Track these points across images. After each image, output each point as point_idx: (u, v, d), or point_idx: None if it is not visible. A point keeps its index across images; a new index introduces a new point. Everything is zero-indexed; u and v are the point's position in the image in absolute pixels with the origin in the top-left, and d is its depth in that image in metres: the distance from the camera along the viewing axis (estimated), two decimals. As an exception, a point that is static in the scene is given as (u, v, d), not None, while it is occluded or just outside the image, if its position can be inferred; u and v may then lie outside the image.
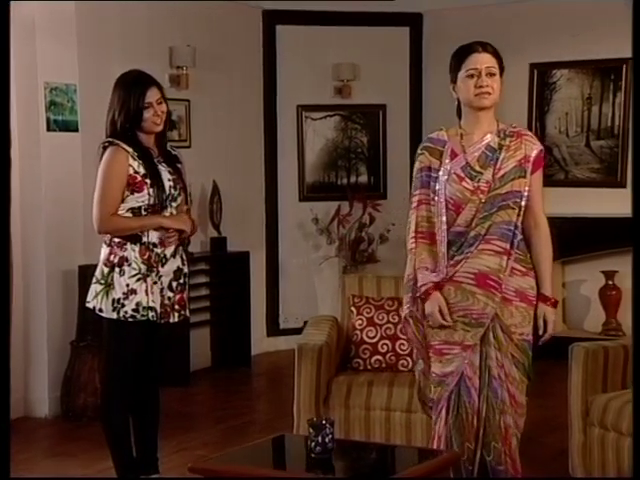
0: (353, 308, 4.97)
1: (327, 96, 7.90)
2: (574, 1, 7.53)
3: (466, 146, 3.68)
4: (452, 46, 8.00)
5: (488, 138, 3.67)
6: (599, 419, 4.02)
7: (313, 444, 3.23)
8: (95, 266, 5.77)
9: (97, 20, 6.33)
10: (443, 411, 3.69)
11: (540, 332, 3.66)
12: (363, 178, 8.02)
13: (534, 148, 3.67)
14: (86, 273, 5.82)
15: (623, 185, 7.53)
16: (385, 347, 4.85)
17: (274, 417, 5.78)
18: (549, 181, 7.69)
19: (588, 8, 7.51)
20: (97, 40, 6.34)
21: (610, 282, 7.39)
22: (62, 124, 5.95)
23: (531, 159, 3.65)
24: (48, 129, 5.86)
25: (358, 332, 4.90)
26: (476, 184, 3.65)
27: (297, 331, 7.86)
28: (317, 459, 3.21)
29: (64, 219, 5.97)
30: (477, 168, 3.66)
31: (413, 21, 8.05)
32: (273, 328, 7.80)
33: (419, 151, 3.79)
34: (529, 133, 3.77)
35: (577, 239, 7.45)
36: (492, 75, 3.70)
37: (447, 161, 3.68)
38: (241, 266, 7.17)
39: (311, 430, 3.24)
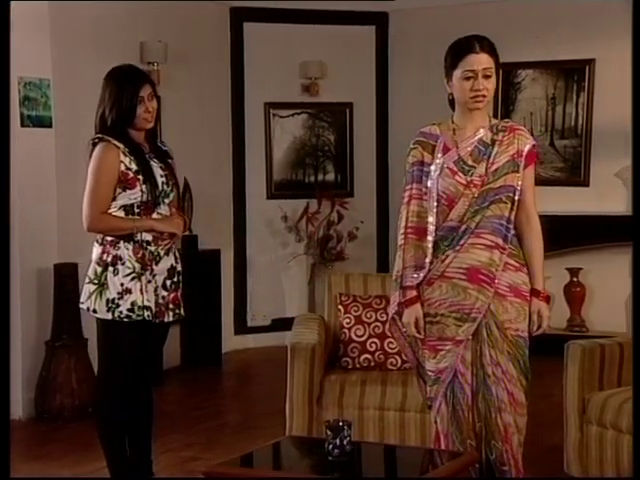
0: (340, 306, 4.95)
1: (295, 94, 7.87)
2: (537, 2, 7.61)
3: (459, 140, 3.65)
4: (418, 45, 8.17)
5: (481, 133, 3.64)
6: (597, 417, 4.05)
7: (331, 446, 3.19)
8: (72, 264, 5.78)
9: (70, 15, 6.22)
10: (442, 408, 3.68)
11: (534, 328, 3.62)
12: (330, 176, 8.01)
13: (527, 143, 3.64)
14: (62, 271, 5.75)
15: (586, 184, 7.64)
16: (374, 345, 4.84)
17: (253, 416, 5.75)
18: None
19: (551, 9, 7.60)
20: (70, 35, 6.24)
21: (574, 279, 7.49)
22: (36, 120, 5.84)
23: (524, 154, 3.63)
24: (22, 124, 5.74)
25: (346, 331, 4.88)
26: (469, 178, 3.62)
27: (265, 329, 7.86)
28: (335, 462, 3.17)
29: (38, 216, 5.86)
30: (470, 162, 3.63)
31: (379, 20, 8.06)
32: (241, 326, 7.75)
33: (411, 145, 3.75)
34: (522, 128, 3.72)
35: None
36: (488, 77, 3.64)
37: (439, 155, 3.65)
38: (212, 264, 7.10)
39: (329, 432, 3.20)
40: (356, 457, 3.20)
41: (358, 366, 4.81)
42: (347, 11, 7.85)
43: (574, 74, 7.61)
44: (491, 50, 3.67)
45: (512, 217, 3.60)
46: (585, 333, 7.22)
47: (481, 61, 3.62)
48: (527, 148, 3.64)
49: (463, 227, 3.61)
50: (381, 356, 4.83)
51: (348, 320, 4.90)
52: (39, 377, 5.72)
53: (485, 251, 3.59)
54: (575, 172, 7.65)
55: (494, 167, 3.63)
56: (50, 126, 5.94)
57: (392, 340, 4.81)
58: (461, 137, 3.66)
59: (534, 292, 3.64)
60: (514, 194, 3.60)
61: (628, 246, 7.78)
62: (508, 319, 3.60)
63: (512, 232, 3.61)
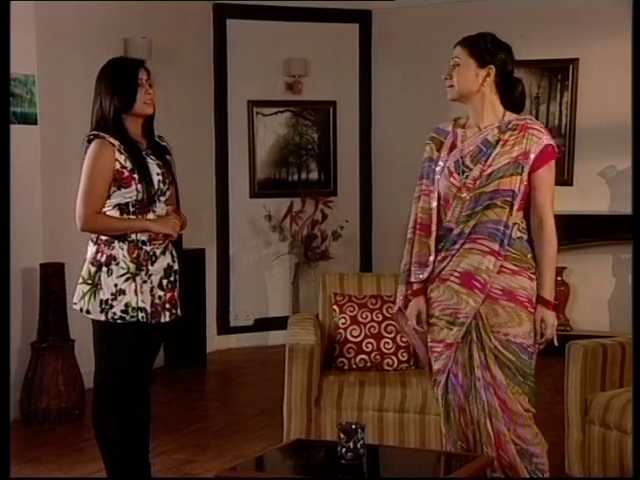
0: (335, 306, 4.91)
1: (278, 92, 7.82)
2: (521, 2, 7.61)
3: (465, 139, 3.59)
4: (401, 43, 8.15)
5: (487, 131, 3.55)
6: (600, 417, 4.03)
7: (344, 450, 3.14)
8: (58, 264, 5.68)
9: (55, 11, 6.12)
10: (441, 409, 3.68)
11: (538, 336, 3.53)
12: (314, 175, 7.96)
13: (538, 143, 3.48)
14: (48, 271, 5.65)
15: (570, 183, 7.65)
16: (370, 346, 4.80)
17: (243, 418, 5.69)
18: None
19: (536, 9, 7.60)
20: (55, 31, 6.15)
21: (558, 278, 7.48)
22: (21, 116, 5.73)
23: (531, 155, 3.49)
24: (7, 121, 5.63)
25: (342, 331, 4.84)
26: (463, 180, 3.55)
27: (248, 329, 7.79)
28: (348, 465, 3.12)
29: (22, 215, 5.75)
30: (468, 163, 3.55)
31: (362, 18, 8.02)
32: (224, 326, 7.67)
33: (426, 141, 3.71)
34: (536, 126, 3.54)
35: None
36: (455, 66, 3.59)
37: (444, 153, 3.61)
38: (196, 263, 7.02)
39: (342, 435, 3.15)
40: (369, 461, 3.13)
41: (354, 367, 4.77)
42: (330, 9, 7.81)
43: (558, 73, 7.62)
44: (465, 41, 3.60)
45: (511, 222, 3.50)
46: (569, 332, 7.23)
47: (454, 52, 3.61)
48: (537, 149, 3.49)
49: (457, 230, 3.56)
50: (377, 357, 4.79)
51: (344, 320, 4.86)
52: (25, 379, 5.62)
53: (480, 256, 3.53)
54: (559, 171, 7.59)
55: (489, 170, 3.53)
56: (35, 123, 5.84)
57: (388, 340, 4.80)
58: (469, 135, 3.59)
59: (540, 299, 3.53)
60: (513, 198, 3.49)
61: (611, 245, 7.84)
62: (498, 323, 3.53)
63: (514, 236, 3.52)
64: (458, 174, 3.56)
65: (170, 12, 7.16)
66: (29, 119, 5.78)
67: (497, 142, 3.54)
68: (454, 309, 3.55)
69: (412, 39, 7.96)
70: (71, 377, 5.63)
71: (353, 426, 3.17)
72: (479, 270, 3.52)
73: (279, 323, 7.76)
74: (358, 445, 3.13)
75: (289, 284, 7.74)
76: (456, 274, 3.55)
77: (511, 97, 3.59)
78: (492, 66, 3.52)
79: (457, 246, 3.55)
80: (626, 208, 7.12)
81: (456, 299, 3.55)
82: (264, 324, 7.78)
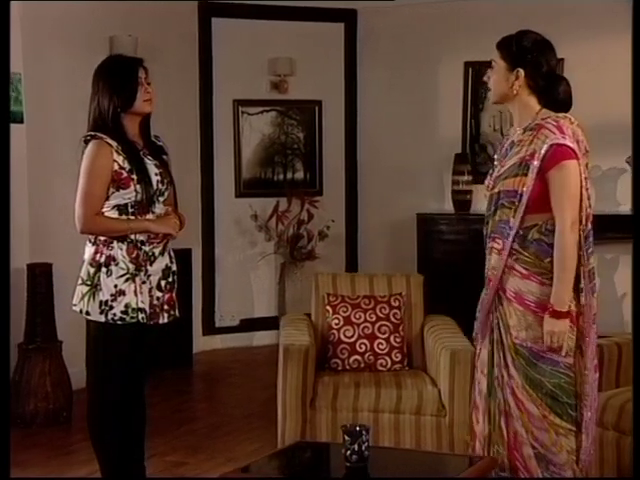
0: (329, 307, 4.88)
1: (263, 91, 7.77)
2: (506, 2, 7.61)
3: (507, 141, 3.62)
4: (386, 43, 8.11)
5: (515, 132, 3.56)
6: (597, 418, 4.02)
7: (349, 452, 3.11)
8: (46, 264, 5.62)
9: (40, 9, 6.05)
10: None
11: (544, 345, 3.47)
12: (299, 174, 7.93)
13: (546, 142, 3.40)
14: (35, 271, 5.58)
15: (555, 183, 7.66)
16: (363, 347, 4.78)
17: (232, 419, 5.65)
18: (483, 179, 7.71)
19: (520, 8, 7.60)
20: (40, 29, 6.08)
21: (543, 279, 7.50)
22: (7, 115, 5.65)
23: (538, 155, 3.40)
24: (-7, 120, 5.55)
25: (335, 331, 4.82)
26: (490, 182, 3.61)
27: (233, 330, 7.74)
28: (354, 468, 3.09)
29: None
30: (496, 164, 3.61)
31: (347, 17, 8.00)
32: (209, 326, 7.62)
33: None
34: (549, 126, 3.43)
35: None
36: (492, 68, 3.57)
37: (495, 157, 3.68)
38: (183, 264, 6.95)
39: (346, 437, 3.13)
40: (374, 463, 3.11)
41: (348, 367, 4.75)
42: (316, 8, 7.77)
43: (542, 73, 7.63)
44: (500, 43, 3.58)
45: (515, 223, 3.46)
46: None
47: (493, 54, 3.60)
48: (544, 149, 3.40)
49: (486, 229, 3.62)
50: (371, 357, 4.77)
51: (337, 321, 4.83)
52: (12, 381, 5.54)
53: (496, 255, 3.55)
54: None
55: (501, 171, 3.56)
56: (22, 122, 5.77)
57: (382, 341, 4.79)
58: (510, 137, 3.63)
59: (548, 306, 3.43)
60: (517, 199, 3.44)
61: (596, 245, 7.82)
62: (512, 325, 3.52)
63: (531, 238, 3.46)
64: (490, 175, 3.62)
65: (155, 10, 7.09)
66: (15, 117, 5.71)
67: (518, 143, 3.52)
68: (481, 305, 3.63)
69: (398, 38, 7.95)
70: (59, 379, 5.57)
71: (358, 428, 3.14)
72: (494, 268, 3.55)
73: (265, 323, 7.76)
74: (363, 447, 3.11)
75: (275, 284, 7.70)
76: (487, 272, 3.61)
77: (554, 97, 3.52)
78: (520, 70, 3.48)
79: (488, 244, 3.60)
80: (610, 208, 7.16)
81: (483, 295, 3.62)
82: (249, 324, 7.74)
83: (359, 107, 8.05)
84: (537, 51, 3.52)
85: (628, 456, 3.87)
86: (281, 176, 7.88)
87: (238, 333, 7.69)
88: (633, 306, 4.24)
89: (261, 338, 7.74)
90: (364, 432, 3.13)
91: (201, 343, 7.49)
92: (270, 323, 7.70)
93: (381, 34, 8.01)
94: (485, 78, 3.64)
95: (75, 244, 6.04)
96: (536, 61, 3.51)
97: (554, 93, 3.53)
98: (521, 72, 3.49)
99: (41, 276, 5.56)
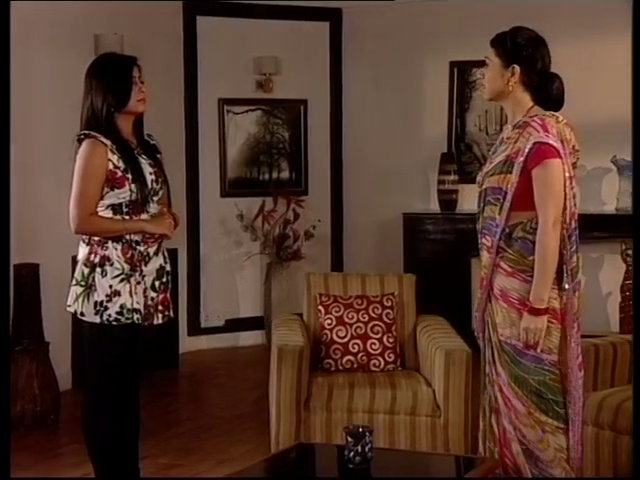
0: (321, 307, 4.86)
1: (249, 90, 7.72)
2: (492, 1, 7.61)
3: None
4: (371, 42, 8.09)
5: (506, 130, 3.59)
6: (593, 417, 4.02)
7: (352, 454, 3.09)
8: (33, 264, 5.56)
9: (24, 6, 5.97)
10: None
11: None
12: (285, 174, 7.89)
13: (530, 140, 3.41)
14: (22, 272, 5.52)
15: (540, 183, 7.67)
16: (356, 347, 4.76)
17: (222, 421, 5.61)
18: (469, 178, 7.83)
19: (506, 9, 7.59)
20: (24, 26, 5.99)
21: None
22: (-11, 114, 5.58)
23: (522, 153, 3.42)
24: (-23, 119, 5.48)
25: (327, 332, 4.79)
26: (480, 178, 3.65)
27: (218, 330, 7.69)
28: (356, 470, 3.07)
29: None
30: (487, 162, 3.65)
31: (332, 16, 7.97)
32: (194, 327, 7.57)
33: None
34: (534, 124, 3.43)
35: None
36: (486, 65, 3.59)
37: (490, 153, 3.70)
38: (170, 264, 6.89)
39: (349, 439, 3.10)
40: (377, 465, 3.08)
41: (341, 368, 4.72)
42: (301, 7, 7.74)
43: (527, 73, 7.64)
44: (494, 40, 3.60)
45: (501, 221, 3.47)
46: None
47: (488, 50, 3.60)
48: (528, 147, 3.41)
49: (477, 226, 3.64)
50: (364, 357, 4.75)
51: (329, 321, 4.81)
52: (-2, 382, 5.48)
53: (485, 252, 3.59)
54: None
55: (488, 168, 3.59)
56: (7, 120, 5.68)
57: (375, 341, 4.77)
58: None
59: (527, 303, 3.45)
60: (502, 196, 3.46)
61: (580, 244, 7.85)
62: (498, 322, 3.54)
63: (516, 236, 3.48)
64: (481, 171, 3.65)
65: (140, 9, 7.03)
66: None
67: (506, 140, 3.56)
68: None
69: (383, 38, 7.93)
70: (46, 380, 5.51)
71: (361, 429, 3.12)
72: (485, 267, 3.57)
73: (250, 324, 7.72)
74: (366, 449, 3.08)
75: (260, 284, 7.67)
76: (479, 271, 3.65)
77: (547, 94, 3.51)
78: (516, 66, 3.48)
79: (479, 240, 3.61)
80: (595, 207, 7.18)
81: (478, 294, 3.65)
82: (235, 325, 7.70)
83: (344, 106, 8.03)
84: (532, 47, 3.53)
85: (625, 456, 3.87)
86: (266, 176, 7.84)
87: (223, 333, 7.64)
88: (634, 306, 4.25)
89: (247, 338, 7.70)
90: (367, 433, 3.10)
91: (186, 344, 7.44)
92: (256, 323, 7.67)
93: (366, 33, 7.99)
94: (479, 75, 3.66)
95: (61, 244, 6.02)
96: (531, 57, 3.52)
97: (548, 90, 3.54)
98: (517, 68, 3.49)
99: (27, 277, 5.50)
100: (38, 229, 5.96)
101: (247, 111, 7.73)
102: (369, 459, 3.09)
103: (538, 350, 3.45)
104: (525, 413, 3.49)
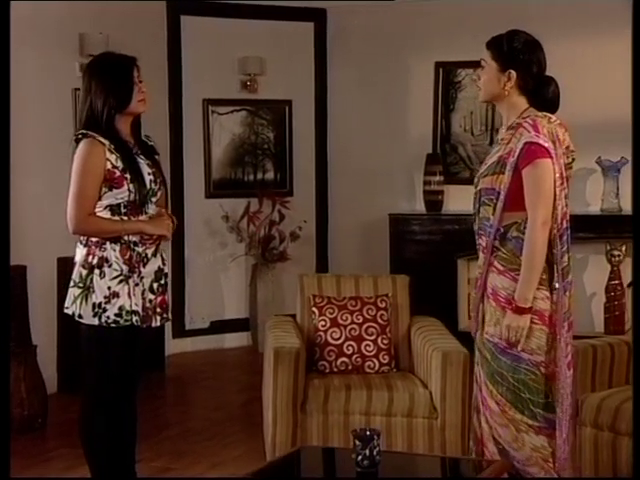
0: (315, 309, 4.83)
1: (233, 90, 7.68)
2: (478, 2, 7.61)
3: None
4: (356, 43, 8.08)
5: (501, 131, 3.61)
6: (592, 419, 4.03)
7: (360, 457, 3.06)
8: (20, 267, 5.48)
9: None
10: None
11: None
12: (270, 175, 7.86)
13: (521, 140, 3.42)
14: (14, 273, 5.44)
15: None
16: (351, 348, 4.74)
17: (215, 423, 5.56)
18: (454, 179, 7.85)
19: (493, 9, 7.61)
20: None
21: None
22: (-24, 114, 5.50)
23: (516, 153, 3.42)
24: (-36, 119, 5.41)
25: (322, 333, 4.77)
26: (476, 179, 3.65)
27: (203, 332, 7.64)
28: (364, 473, 3.04)
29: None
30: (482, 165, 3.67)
31: (317, 16, 7.95)
32: (179, 329, 7.51)
33: None
34: (526, 124, 3.44)
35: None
36: (482, 68, 3.57)
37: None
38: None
39: (357, 442, 3.08)
40: (385, 468, 3.06)
41: (335, 370, 4.70)
42: (285, 7, 7.71)
43: (514, 74, 7.64)
44: (490, 43, 3.57)
45: (495, 221, 3.48)
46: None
47: (484, 53, 3.58)
48: (519, 147, 3.42)
49: (474, 227, 3.65)
50: (358, 359, 4.72)
51: (323, 323, 4.78)
52: (-15, 386, 5.41)
53: (481, 253, 3.60)
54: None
55: (482, 169, 3.60)
56: (-7, 120, 5.61)
57: (369, 343, 4.75)
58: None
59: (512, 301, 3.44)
60: (495, 197, 3.47)
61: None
62: (486, 320, 3.54)
63: (510, 236, 3.47)
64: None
65: (125, 8, 6.97)
66: (-14, 116, 5.55)
67: (501, 142, 3.58)
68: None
69: (368, 38, 7.91)
70: (34, 384, 5.44)
71: (368, 432, 3.09)
72: (479, 267, 3.57)
73: (235, 325, 7.67)
74: (374, 452, 3.06)
75: (245, 286, 7.62)
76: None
77: (543, 97, 3.53)
78: (512, 71, 3.47)
79: (476, 240, 3.63)
80: (580, 208, 7.20)
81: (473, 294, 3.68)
82: (220, 326, 7.65)
83: (329, 107, 8.01)
84: (528, 52, 3.53)
85: (624, 457, 3.88)
86: (251, 176, 7.80)
87: (208, 335, 7.60)
88: (633, 306, 4.25)
89: (232, 340, 7.65)
90: (375, 437, 3.08)
91: (171, 346, 7.37)
92: (241, 325, 7.63)
93: (351, 33, 7.97)
94: (474, 77, 3.66)
95: (49, 246, 5.97)
96: (527, 62, 3.51)
97: (543, 94, 3.55)
98: (513, 74, 3.49)
99: (15, 279, 5.42)
100: (25, 231, 5.89)
101: (232, 111, 7.69)
102: (377, 462, 3.06)
103: (519, 349, 3.45)
104: (499, 412, 3.50)
